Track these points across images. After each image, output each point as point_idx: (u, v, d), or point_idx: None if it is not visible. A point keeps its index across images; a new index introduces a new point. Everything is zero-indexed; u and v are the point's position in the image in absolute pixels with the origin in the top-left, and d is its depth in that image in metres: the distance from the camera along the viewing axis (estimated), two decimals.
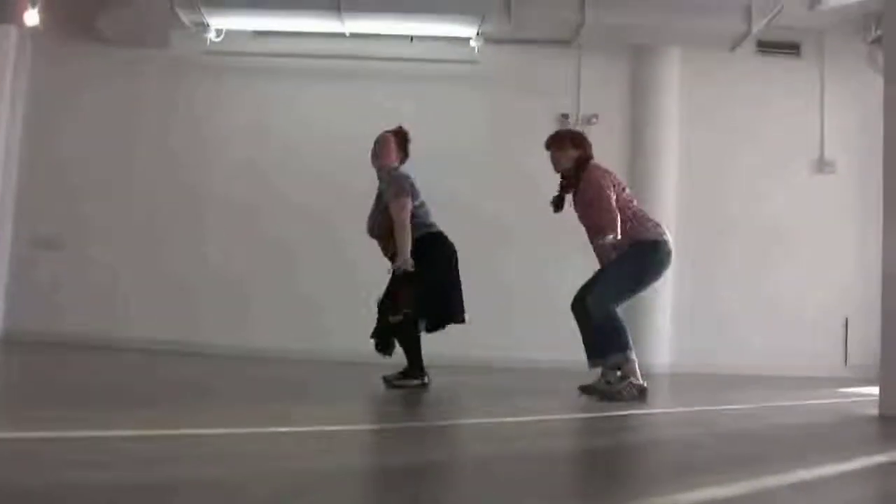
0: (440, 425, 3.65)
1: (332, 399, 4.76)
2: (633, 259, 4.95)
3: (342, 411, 4.02)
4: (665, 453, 3.01)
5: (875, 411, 4.35)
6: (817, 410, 5.07)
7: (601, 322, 4.88)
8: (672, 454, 2.95)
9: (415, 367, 5.12)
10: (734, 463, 2.65)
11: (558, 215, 5.24)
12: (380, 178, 5.32)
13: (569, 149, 5.20)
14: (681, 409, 5.08)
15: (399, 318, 5.06)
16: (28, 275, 8.77)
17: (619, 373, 4.91)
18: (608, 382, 4.90)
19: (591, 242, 5.13)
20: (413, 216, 5.13)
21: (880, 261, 4.45)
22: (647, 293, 5.45)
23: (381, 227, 5.21)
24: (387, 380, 5.09)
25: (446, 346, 5.84)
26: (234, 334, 8.45)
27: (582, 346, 5.14)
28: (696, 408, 5.10)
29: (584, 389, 5.05)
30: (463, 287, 5.23)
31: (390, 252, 5.20)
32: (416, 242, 5.10)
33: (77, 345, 7.95)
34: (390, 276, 5.19)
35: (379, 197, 5.29)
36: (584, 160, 5.16)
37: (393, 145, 5.31)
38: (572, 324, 5.08)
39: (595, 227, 5.01)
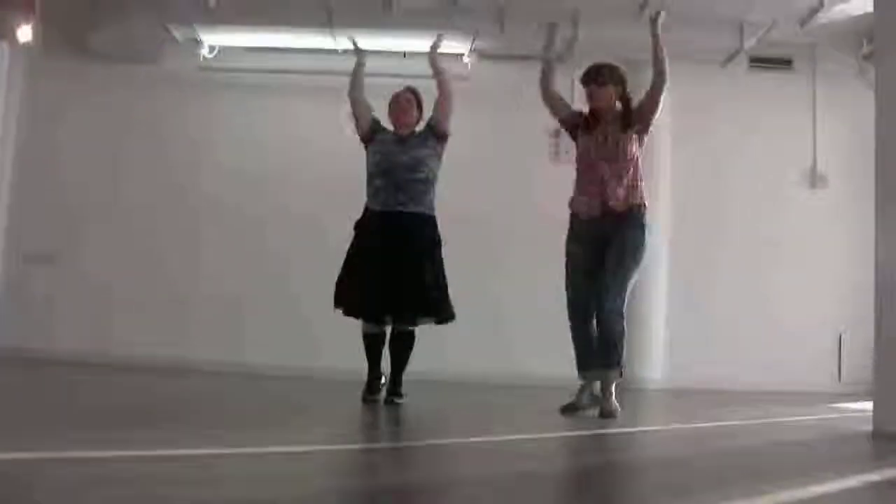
0: (436, 444, 3.63)
1: (328, 418, 4.73)
2: (642, 247, 4.73)
3: (338, 430, 3.99)
4: (657, 471, 2.99)
5: (869, 427, 4.35)
6: (811, 427, 5.06)
7: (619, 334, 4.64)
8: (664, 472, 2.94)
9: (400, 382, 5.06)
10: (727, 481, 2.64)
11: (553, 233, 5.15)
12: (400, 135, 5.41)
13: (610, 86, 5.13)
14: (674, 425, 5.07)
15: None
16: (21, 291, 8.74)
17: (599, 386, 4.76)
18: (593, 396, 4.79)
19: (605, 189, 4.92)
20: (430, 191, 5.23)
21: (873, 276, 4.46)
22: (640, 309, 5.42)
23: (425, 164, 5.26)
24: (372, 399, 5.04)
25: (441, 363, 5.82)
26: (231, 351, 8.42)
27: (574, 357, 4.94)
28: (690, 424, 5.08)
29: (566, 409, 4.83)
30: (457, 300, 5.20)
31: (408, 197, 5.16)
32: (433, 222, 5.17)
33: (71, 362, 7.90)
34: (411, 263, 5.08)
35: (415, 142, 5.37)
36: (628, 99, 5.11)
37: (415, 105, 5.54)
38: (567, 336, 4.97)
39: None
